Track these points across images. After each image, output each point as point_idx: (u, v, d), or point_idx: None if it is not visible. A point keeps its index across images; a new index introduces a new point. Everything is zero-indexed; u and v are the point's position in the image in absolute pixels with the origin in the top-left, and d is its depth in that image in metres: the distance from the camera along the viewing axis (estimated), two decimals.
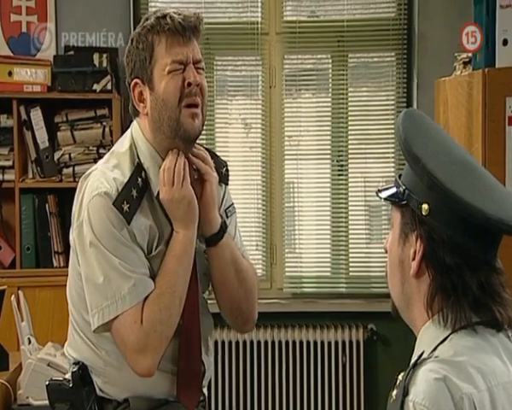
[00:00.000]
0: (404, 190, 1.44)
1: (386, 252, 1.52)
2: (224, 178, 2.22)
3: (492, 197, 1.40)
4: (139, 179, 2.03)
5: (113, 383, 2.09)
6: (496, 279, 1.41)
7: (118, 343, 2.01)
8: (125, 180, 2.01)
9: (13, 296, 2.78)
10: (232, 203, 2.24)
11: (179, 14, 2.05)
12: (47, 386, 2.14)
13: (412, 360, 1.39)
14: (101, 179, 2.01)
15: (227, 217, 2.20)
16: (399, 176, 1.48)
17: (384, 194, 1.50)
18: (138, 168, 2.05)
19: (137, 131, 2.10)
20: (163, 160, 2.05)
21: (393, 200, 1.46)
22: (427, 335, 1.43)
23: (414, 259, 1.42)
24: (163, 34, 2.02)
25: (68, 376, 2.12)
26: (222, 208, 2.21)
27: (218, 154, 2.24)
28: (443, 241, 1.39)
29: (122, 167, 2.05)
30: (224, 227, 2.11)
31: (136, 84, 2.06)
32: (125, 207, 1.99)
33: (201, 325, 2.14)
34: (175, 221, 2.03)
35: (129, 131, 2.14)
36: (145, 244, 2.03)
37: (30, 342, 2.76)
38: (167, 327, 2.00)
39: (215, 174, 2.10)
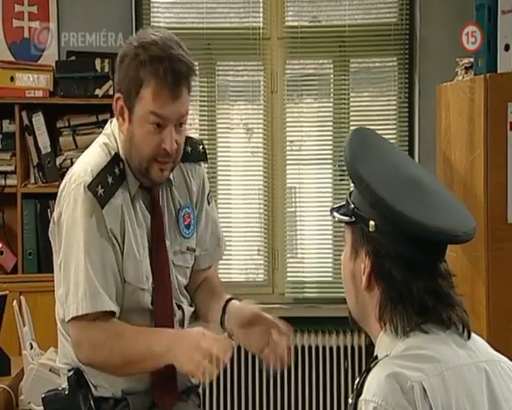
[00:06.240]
0: (353, 209, 1.51)
1: None
2: (202, 156, 2.25)
3: (435, 210, 1.46)
4: (116, 169, 2.06)
5: (108, 379, 2.11)
6: (442, 282, 1.47)
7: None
8: (101, 167, 2.04)
9: (15, 301, 2.77)
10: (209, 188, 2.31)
11: (174, 63, 1.97)
12: (43, 399, 2.16)
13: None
14: (78, 172, 2.06)
15: (209, 203, 2.26)
16: (350, 194, 1.55)
17: (336, 213, 1.56)
18: (116, 158, 2.08)
19: (116, 131, 2.12)
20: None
21: (344, 219, 1.53)
22: (383, 343, 1.49)
23: (364, 273, 1.49)
24: (152, 78, 1.98)
25: (64, 384, 2.13)
26: (205, 193, 2.25)
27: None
28: (389, 255, 1.46)
29: (102, 157, 2.08)
30: None
31: (119, 98, 2.05)
32: (100, 190, 2.02)
33: (179, 313, 2.18)
34: (170, 345, 2.00)
35: (108, 127, 2.16)
36: (118, 228, 2.04)
37: (32, 348, 2.75)
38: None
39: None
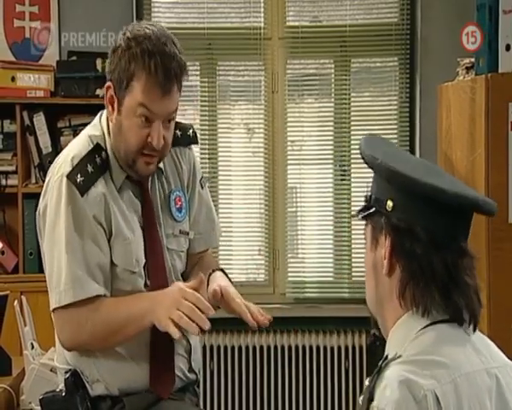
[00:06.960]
0: (370, 196, 1.52)
1: None
2: (192, 139, 2.27)
3: (449, 181, 1.47)
4: (97, 158, 2.08)
5: (104, 378, 2.12)
6: (463, 262, 1.45)
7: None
8: (82, 156, 2.06)
9: (16, 301, 2.77)
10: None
11: (165, 59, 1.98)
12: (40, 400, 2.16)
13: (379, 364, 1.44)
14: (60, 163, 2.09)
15: (202, 187, 2.26)
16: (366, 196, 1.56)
17: (358, 214, 1.56)
18: (97, 148, 2.09)
19: (104, 123, 2.14)
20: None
21: (365, 213, 1.53)
22: (399, 329, 1.49)
23: (385, 257, 1.48)
24: (144, 72, 1.99)
25: (62, 386, 2.13)
26: (197, 176, 2.26)
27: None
28: (409, 230, 1.44)
29: (84, 147, 2.09)
30: None
31: (110, 87, 2.07)
32: (79, 179, 2.03)
33: None
34: (150, 306, 2.02)
35: (97, 118, 2.17)
36: (102, 214, 2.05)
37: (33, 347, 2.75)
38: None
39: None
